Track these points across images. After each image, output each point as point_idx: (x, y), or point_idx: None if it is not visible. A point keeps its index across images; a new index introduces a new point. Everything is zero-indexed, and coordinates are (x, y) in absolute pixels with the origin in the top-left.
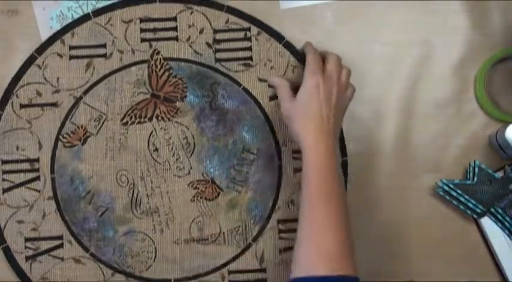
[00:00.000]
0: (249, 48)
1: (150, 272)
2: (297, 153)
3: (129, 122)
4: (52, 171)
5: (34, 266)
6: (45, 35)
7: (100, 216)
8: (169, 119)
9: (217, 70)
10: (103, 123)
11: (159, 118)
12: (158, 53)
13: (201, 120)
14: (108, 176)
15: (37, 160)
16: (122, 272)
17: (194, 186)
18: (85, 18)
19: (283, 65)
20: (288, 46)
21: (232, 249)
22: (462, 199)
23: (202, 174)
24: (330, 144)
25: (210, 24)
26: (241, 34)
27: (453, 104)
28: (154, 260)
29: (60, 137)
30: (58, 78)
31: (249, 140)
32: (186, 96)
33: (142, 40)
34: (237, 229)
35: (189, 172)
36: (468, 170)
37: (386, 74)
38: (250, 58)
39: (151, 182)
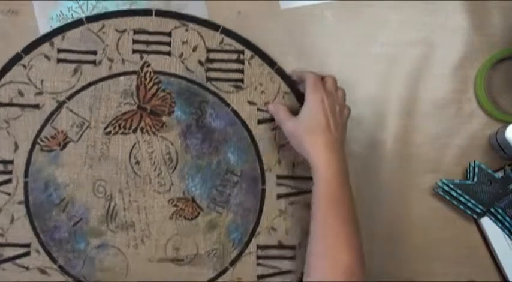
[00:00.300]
0: (241, 71)
1: None
2: (282, 178)
3: (112, 132)
4: (26, 174)
5: None
6: None
7: (73, 226)
8: (154, 133)
9: (207, 89)
10: (85, 130)
11: (144, 131)
12: (149, 65)
13: (186, 137)
14: (85, 185)
15: (11, 162)
16: None
17: (174, 203)
18: (78, 22)
19: (274, 90)
20: (280, 72)
21: (208, 272)
22: (462, 199)
23: (183, 192)
24: (341, 158)
25: (204, 43)
26: (234, 56)
27: (453, 104)
28: (125, 277)
29: (39, 140)
30: (42, 81)
31: (234, 161)
32: (173, 112)
33: (134, 51)
34: (214, 251)
35: (170, 189)
36: (468, 170)
37: (386, 74)
38: (242, 80)
39: (130, 195)
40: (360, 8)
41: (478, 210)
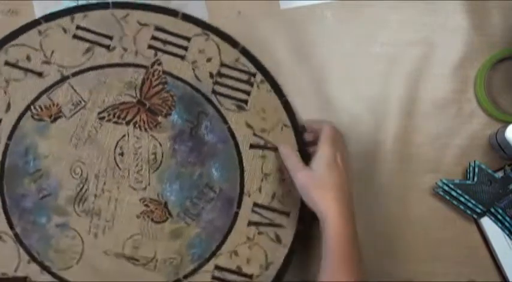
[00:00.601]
0: (248, 93)
1: (68, 273)
2: (258, 207)
3: (106, 118)
4: (10, 137)
5: None
6: None
7: (40, 199)
8: (145, 130)
9: (210, 101)
10: (79, 109)
11: (136, 125)
12: (160, 64)
13: (176, 142)
14: (63, 162)
15: None
16: (39, 263)
17: (145, 203)
18: (103, 5)
19: (274, 120)
20: (286, 105)
21: (159, 278)
22: (462, 199)
23: (158, 195)
24: (350, 213)
25: (220, 56)
26: (245, 77)
27: (453, 104)
28: (77, 263)
29: (32, 107)
30: (53, 51)
31: (216, 177)
32: (170, 114)
33: (150, 47)
34: (171, 260)
35: (145, 188)
36: (468, 170)
37: (386, 74)
38: (246, 102)
39: (104, 184)
40: (360, 8)
41: (478, 210)
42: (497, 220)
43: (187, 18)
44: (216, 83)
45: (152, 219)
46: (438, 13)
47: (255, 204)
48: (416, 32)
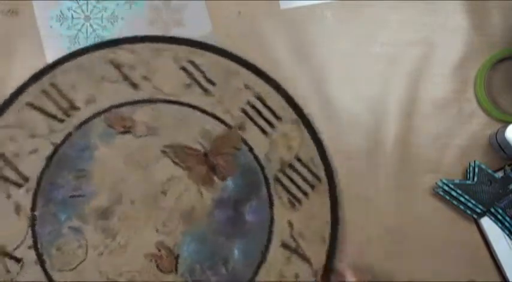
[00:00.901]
0: (306, 194)
1: (59, 274)
2: None
3: (168, 154)
4: (78, 127)
5: None
6: (45, 35)
7: (71, 196)
8: (197, 183)
9: (268, 184)
10: (150, 134)
11: (192, 175)
12: (243, 130)
13: (218, 207)
14: (110, 175)
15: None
16: (38, 254)
17: (159, 247)
18: (227, 54)
19: (317, 232)
20: (334, 225)
21: None
22: (462, 199)
23: (174, 245)
24: None
25: (299, 149)
26: (311, 178)
27: (453, 104)
28: (71, 270)
29: (111, 111)
30: (156, 71)
31: (235, 257)
32: (226, 179)
33: (242, 110)
34: None
35: (167, 234)
36: (468, 170)
37: (386, 74)
38: (300, 201)
39: (134, 211)
40: (360, 8)
41: (478, 210)
42: (497, 220)
43: (289, 100)
44: (282, 171)
45: (157, 266)
46: (438, 13)
47: None
48: (416, 32)
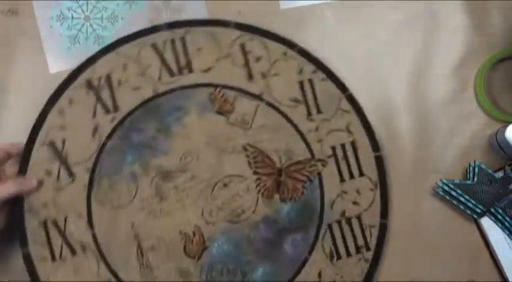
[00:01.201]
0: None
1: (96, 206)
2: None
3: (246, 153)
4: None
5: None
6: (45, 35)
7: (146, 146)
8: (259, 191)
9: (319, 227)
10: (242, 128)
11: (257, 182)
12: (324, 166)
13: (265, 224)
14: (190, 142)
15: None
16: (90, 179)
17: (194, 231)
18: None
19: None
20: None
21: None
22: (462, 199)
23: (209, 237)
24: None
25: (363, 213)
26: (361, 240)
27: (453, 104)
28: (108, 208)
29: (221, 88)
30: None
31: (255, 277)
32: (285, 203)
33: (331, 147)
34: None
35: (208, 223)
36: (468, 170)
37: (386, 74)
38: (338, 254)
39: (191, 188)
40: (360, 8)
41: (478, 210)
42: (497, 220)
43: (379, 161)
44: (339, 222)
45: (184, 246)
46: (438, 13)
47: None
48: (416, 32)
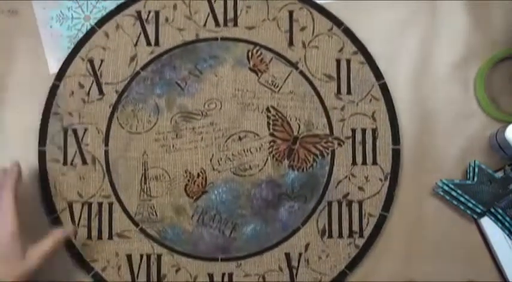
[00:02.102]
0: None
1: (115, 127)
2: None
3: (269, 114)
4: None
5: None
6: (45, 35)
7: (175, 82)
8: (270, 153)
9: (317, 204)
10: (271, 88)
11: (271, 144)
12: (341, 145)
13: (268, 186)
14: (216, 90)
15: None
16: (118, 98)
17: (198, 172)
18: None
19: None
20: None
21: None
22: (462, 199)
23: (211, 182)
24: None
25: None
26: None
27: (453, 104)
28: (125, 130)
29: (259, 47)
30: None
31: (243, 232)
32: (293, 170)
33: (353, 131)
34: (150, 215)
35: (213, 169)
36: (468, 170)
37: (386, 74)
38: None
39: (208, 133)
40: (360, 8)
41: (478, 210)
42: (497, 220)
43: (396, 155)
44: (339, 203)
45: (186, 185)
46: (438, 13)
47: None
48: (417, 31)
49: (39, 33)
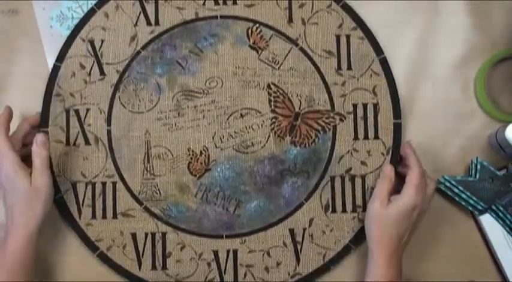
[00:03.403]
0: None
1: (117, 104)
2: None
3: (270, 91)
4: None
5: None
6: (45, 35)
7: (176, 61)
8: (272, 129)
9: (320, 180)
10: (271, 66)
11: (273, 120)
12: (342, 121)
13: (270, 162)
14: (218, 68)
15: None
16: (119, 78)
17: (202, 149)
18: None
19: None
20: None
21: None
22: (464, 196)
23: (214, 160)
24: (400, 261)
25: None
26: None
27: (453, 104)
28: (128, 110)
29: (258, 25)
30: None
31: (247, 208)
32: (295, 147)
33: (354, 107)
34: (153, 194)
35: (216, 147)
36: (470, 167)
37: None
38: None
39: (209, 111)
40: (360, 8)
41: (480, 207)
42: (498, 217)
43: (397, 128)
44: (342, 178)
45: (189, 163)
46: (438, 13)
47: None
48: (417, 32)
49: (39, 33)
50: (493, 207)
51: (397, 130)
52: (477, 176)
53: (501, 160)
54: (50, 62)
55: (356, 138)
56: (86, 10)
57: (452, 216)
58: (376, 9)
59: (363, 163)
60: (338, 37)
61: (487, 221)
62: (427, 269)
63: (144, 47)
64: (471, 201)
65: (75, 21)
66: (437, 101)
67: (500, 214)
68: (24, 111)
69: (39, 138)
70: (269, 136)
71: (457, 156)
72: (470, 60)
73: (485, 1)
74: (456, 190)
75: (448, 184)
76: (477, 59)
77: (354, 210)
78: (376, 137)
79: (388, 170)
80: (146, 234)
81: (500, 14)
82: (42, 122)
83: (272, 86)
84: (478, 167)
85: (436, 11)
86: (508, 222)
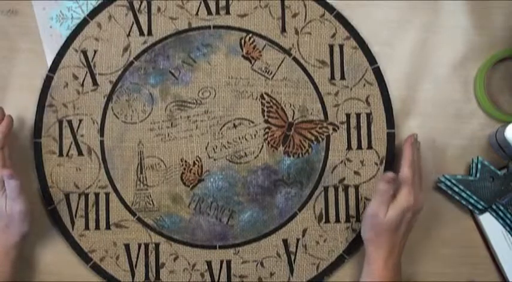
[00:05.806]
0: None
1: (111, 116)
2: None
3: (263, 101)
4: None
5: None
6: (45, 35)
7: (169, 72)
8: (265, 140)
9: (314, 190)
10: (265, 76)
11: (266, 130)
12: (335, 130)
13: (263, 172)
14: (213, 76)
15: None
16: (112, 88)
17: (196, 162)
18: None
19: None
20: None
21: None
22: (464, 195)
23: (207, 170)
24: (396, 265)
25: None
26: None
27: (453, 104)
28: (121, 120)
29: (252, 35)
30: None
31: (241, 219)
32: (288, 157)
33: (347, 117)
34: (147, 204)
35: (209, 157)
36: (471, 166)
37: (387, 74)
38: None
39: (203, 121)
40: (360, 7)
41: (480, 207)
42: (498, 217)
43: (390, 138)
44: (335, 188)
45: (182, 173)
46: (438, 13)
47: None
48: (417, 32)
49: (39, 33)
50: (493, 207)
51: (391, 140)
52: (477, 175)
53: (501, 160)
54: (50, 62)
55: (349, 148)
56: (85, 10)
57: (452, 215)
58: (377, 6)
59: (356, 173)
60: (331, 47)
61: (487, 220)
62: (427, 269)
63: (137, 58)
64: (471, 201)
65: (75, 21)
66: (437, 101)
67: (501, 213)
68: (23, 112)
69: (5, 172)
70: (262, 146)
71: (457, 156)
72: (470, 60)
73: (485, 1)
74: (456, 189)
75: (448, 183)
76: (477, 59)
77: (347, 220)
78: (370, 146)
79: (383, 184)
80: (139, 245)
81: (500, 14)
82: (35, 132)
83: (265, 96)
84: (479, 166)
85: (436, 11)
86: (508, 221)
